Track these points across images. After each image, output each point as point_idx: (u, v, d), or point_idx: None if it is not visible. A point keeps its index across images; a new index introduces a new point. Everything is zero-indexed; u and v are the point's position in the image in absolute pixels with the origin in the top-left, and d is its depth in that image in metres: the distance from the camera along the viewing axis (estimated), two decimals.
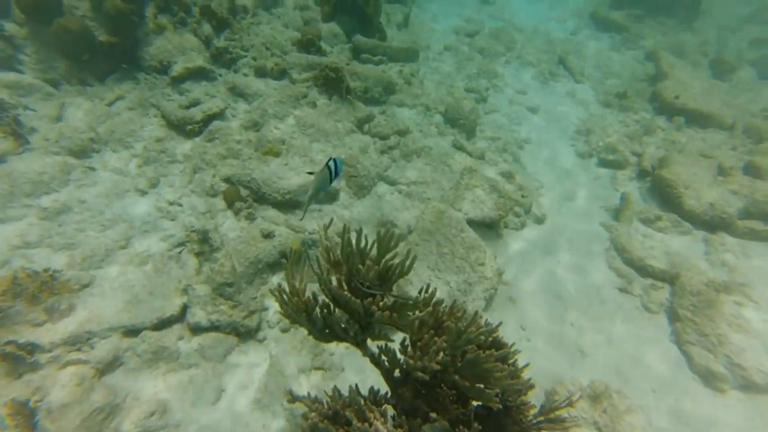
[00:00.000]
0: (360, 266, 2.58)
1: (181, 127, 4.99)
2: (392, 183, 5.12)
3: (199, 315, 3.61)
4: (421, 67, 7.40)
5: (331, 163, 2.86)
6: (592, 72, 8.64)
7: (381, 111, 5.93)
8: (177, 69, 5.51)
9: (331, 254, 2.74)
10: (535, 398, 3.85)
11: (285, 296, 2.60)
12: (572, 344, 4.27)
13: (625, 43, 9.76)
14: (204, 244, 3.85)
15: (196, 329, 3.62)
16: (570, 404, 2.74)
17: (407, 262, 2.68)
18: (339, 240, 2.71)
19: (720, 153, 6.57)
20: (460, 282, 4.18)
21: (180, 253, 4.02)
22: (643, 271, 4.99)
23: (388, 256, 2.70)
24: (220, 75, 5.87)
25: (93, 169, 4.48)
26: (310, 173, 3.13)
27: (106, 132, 4.80)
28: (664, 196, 5.82)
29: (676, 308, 4.55)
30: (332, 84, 5.62)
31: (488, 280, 4.27)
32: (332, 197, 4.82)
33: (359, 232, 2.54)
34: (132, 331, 3.46)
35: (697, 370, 4.12)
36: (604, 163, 6.48)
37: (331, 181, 2.95)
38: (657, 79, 8.18)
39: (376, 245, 2.72)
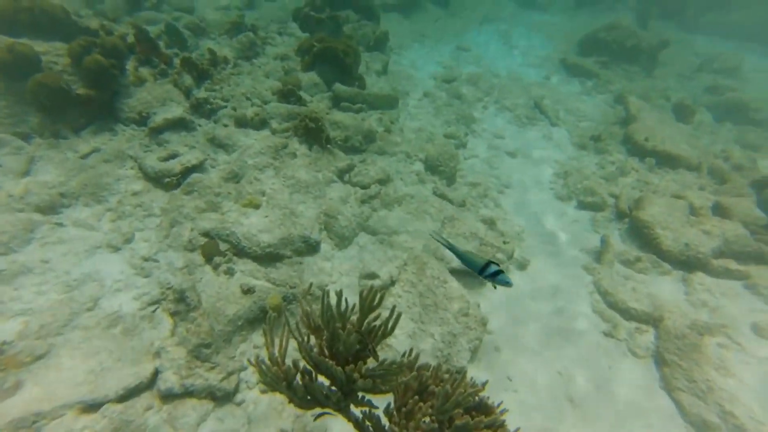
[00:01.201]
0: (341, 331, 2.50)
1: (159, 180, 4.92)
2: (374, 233, 5.09)
3: (171, 380, 3.41)
4: (401, 114, 7.56)
5: (494, 267, 2.79)
6: (567, 115, 8.98)
7: (361, 160, 5.98)
8: (156, 120, 5.49)
9: (311, 319, 2.66)
10: None
11: (264, 366, 2.48)
12: (561, 393, 4.18)
13: (596, 87, 10.25)
14: (180, 303, 3.69)
15: (168, 396, 3.40)
16: None
17: (390, 322, 2.61)
18: (321, 296, 2.63)
19: (690, 193, 6.79)
20: (445, 333, 4.10)
21: (154, 312, 3.85)
22: (627, 314, 4.99)
23: (370, 317, 2.63)
24: (200, 125, 5.88)
25: (61, 225, 4.33)
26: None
27: (78, 186, 4.68)
28: (642, 237, 5.93)
29: (662, 352, 4.53)
30: (312, 133, 5.67)
31: (472, 331, 4.20)
32: (313, 249, 4.75)
33: (339, 295, 2.47)
34: (92, 406, 3.17)
35: (689, 419, 4.06)
36: (583, 206, 6.61)
37: (478, 272, 2.86)
38: (627, 122, 8.55)
39: (358, 305, 2.65)
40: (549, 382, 4.24)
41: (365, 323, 2.55)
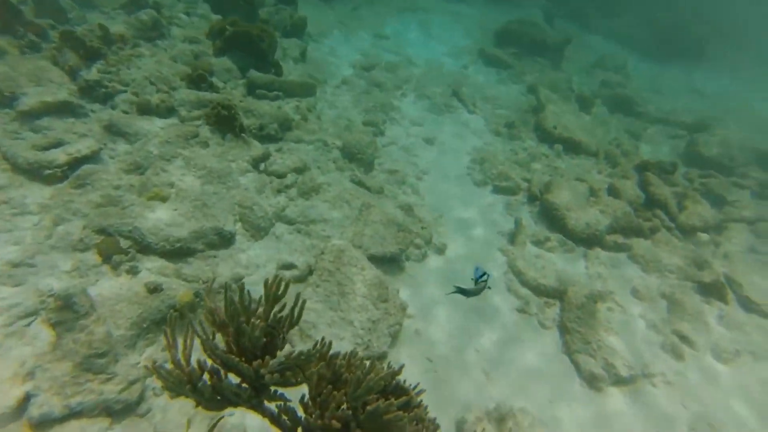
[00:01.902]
0: (245, 325, 2.38)
1: (36, 172, 4.28)
2: (291, 222, 4.94)
3: (49, 403, 2.92)
4: (319, 102, 7.38)
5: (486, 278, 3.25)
6: (483, 104, 9.36)
7: (277, 148, 5.75)
8: (29, 102, 4.76)
9: (215, 316, 2.50)
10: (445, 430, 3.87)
11: (163, 371, 2.30)
12: (478, 369, 4.39)
13: (510, 77, 10.82)
14: (66, 311, 3.27)
15: (43, 423, 2.91)
16: None
17: (296, 311, 2.54)
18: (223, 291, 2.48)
19: (590, 177, 7.46)
20: (364, 321, 4.10)
21: (28, 326, 3.36)
22: (537, 290, 5.36)
23: (276, 309, 2.53)
24: (93, 111, 5.26)
25: None
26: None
27: None
28: (551, 218, 6.39)
29: (565, 322, 4.95)
30: (225, 122, 5.35)
31: (392, 316, 4.24)
32: (227, 241, 4.50)
33: (241, 289, 2.34)
34: None
35: (583, 375, 4.54)
36: (498, 190, 6.95)
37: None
38: (538, 110, 9.13)
39: (263, 295, 2.55)
40: (467, 359, 4.43)
41: (272, 314, 2.45)
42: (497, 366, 4.45)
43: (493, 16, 13.81)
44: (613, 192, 7.00)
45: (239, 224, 4.71)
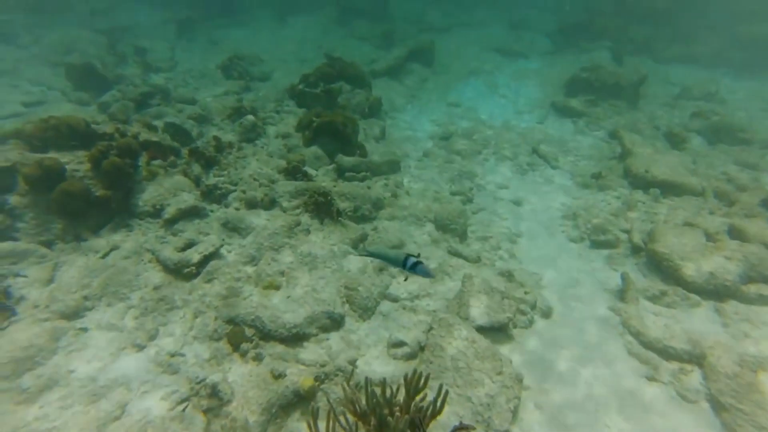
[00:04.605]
0: (390, 418, 2.43)
1: (179, 271, 4.96)
2: (395, 300, 5.06)
3: None
4: (405, 177, 7.75)
5: (413, 259, 3.08)
6: (565, 157, 9.17)
7: (373, 228, 6.06)
8: (170, 211, 5.63)
9: (356, 405, 2.61)
10: None
11: None
12: None
13: (588, 125, 10.53)
14: (213, 398, 3.59)
15: None
16: None
17: (439, 401, 2.56)
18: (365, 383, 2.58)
19: (701, 219, 6.78)
20: (482, 396, 3.95)
21: (183, 411, 3.72)
22: (665, 353, 4.81)
23: (417, 399, 2.58)
24: (212, 211, 6.01)
25: (85, 330, 4.31)
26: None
27: (100, 286, 4.72)
28: (663, 269, 5.85)
29: (716, 396, 4.27)
30: (322, 208, 5.80)
31: (509, 389, 4.04)
32: (338, 323, 4.70)
33: (383, 383, 2.44)
34: None
35: None
36: (596, 245, 6.59)
37: (401, 266, 3.13)
38: (624, 156, 8.72)
39: (403, 387, 2.61)
40: None
41: (412, 406, 2.49)
42: None
43: (558, 67, 13.81)
44: (736, 234, 6.27)
45: (347, 306, 4.92)
